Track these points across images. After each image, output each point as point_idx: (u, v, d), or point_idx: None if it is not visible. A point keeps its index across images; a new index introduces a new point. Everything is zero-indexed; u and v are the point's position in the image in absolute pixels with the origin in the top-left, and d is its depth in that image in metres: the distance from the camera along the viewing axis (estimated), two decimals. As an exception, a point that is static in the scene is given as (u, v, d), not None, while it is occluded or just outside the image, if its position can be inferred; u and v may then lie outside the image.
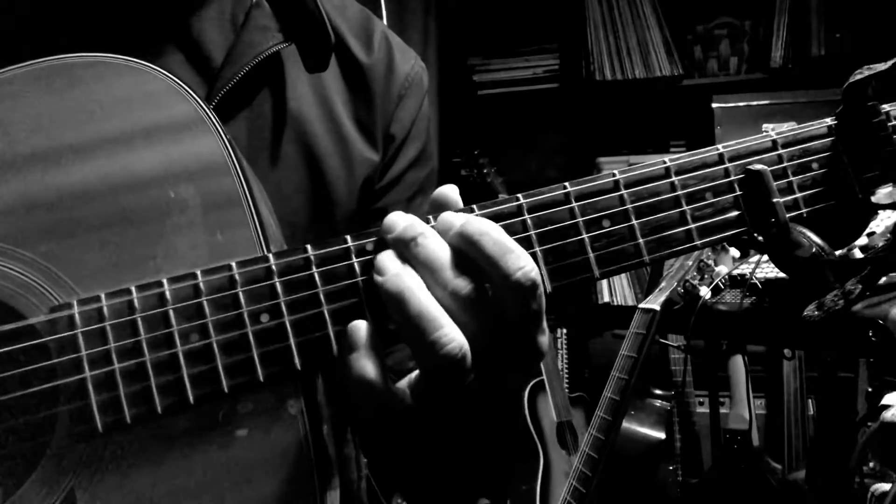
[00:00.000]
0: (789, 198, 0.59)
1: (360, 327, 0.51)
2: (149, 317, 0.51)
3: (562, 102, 3.27)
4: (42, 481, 0.51)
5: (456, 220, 0.52)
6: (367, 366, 0.50)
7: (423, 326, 0.49)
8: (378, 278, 0.50)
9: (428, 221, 0.54)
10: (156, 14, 0.70)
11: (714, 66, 3.09)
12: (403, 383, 0.55)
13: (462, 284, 0.50)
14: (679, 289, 1.76)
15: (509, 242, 0.50)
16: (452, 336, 0.49)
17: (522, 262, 0.50)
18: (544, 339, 0.53)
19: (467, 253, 0.51)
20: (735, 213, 0.58)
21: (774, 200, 0.57)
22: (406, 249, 0.51)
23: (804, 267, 0.61)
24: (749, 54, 3.06)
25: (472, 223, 0.51)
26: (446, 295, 0.50)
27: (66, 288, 0.52)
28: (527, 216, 0.55)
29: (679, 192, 0.57)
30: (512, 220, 0.55)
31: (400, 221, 0.52)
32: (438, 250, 0.50)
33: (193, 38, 0.72)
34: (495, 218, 0.55)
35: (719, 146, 0.59)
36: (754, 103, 2.79)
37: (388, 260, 0.51)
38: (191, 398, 0.51)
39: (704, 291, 1.74)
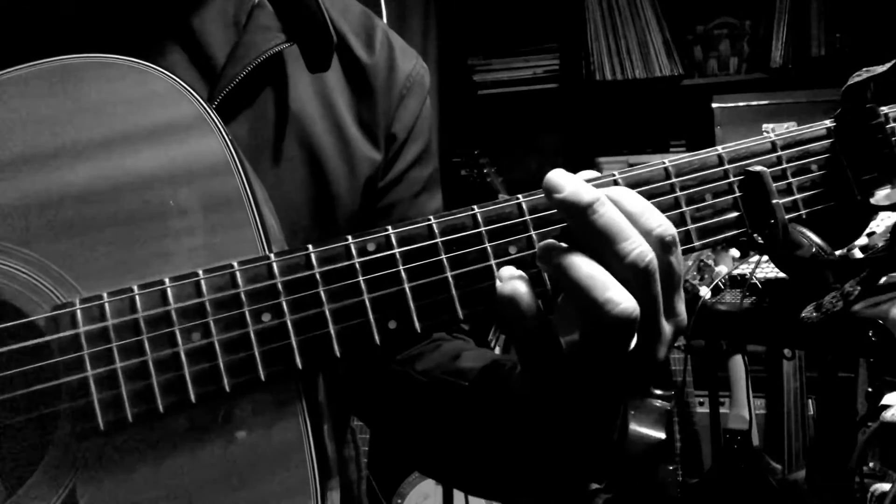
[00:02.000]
0: (788, 199, 0.59)
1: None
2: (151, 315, 0.51)
3: (562, 102, 3.27)
4: (44, 479, 0.51)
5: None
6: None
7: (592, 290, 0.49)
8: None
9: (429, 220, 0.54)
10: (157, 13, 0.70)
11: (714, 66, 3.09)
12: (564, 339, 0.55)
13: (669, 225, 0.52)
14: (679, 289, 1.76)
15: (648, 203, 0.53)
16: (622, 297, 0.49)
17: (663, 220, 0.52)
18: (683, 307, 0.54)
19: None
20: (734, 214, 0.58)
21: (774, 202, 0.57)
22: (582, 217, 0.51)
23: (804, 267, 0.61)
24: (749, 54, 3.06)
25: (611, 189, 0.53)
26: (622, 266, 0.50)
27: (68, 287, 0.53)
28: (527, 217, 0.55)
29: (678, 194, 0.57)
30: (512, 222, 0.55)
31: (566, 183, 0.51)
32: (617, 218, 0.51)
33: (195, 38, 0.72)
34: (496, 219, 0.55)
35: (719, 148, 0.59)
36: (754, 103, 2.80)
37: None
38: (192, 397, 0.51)
39: (704, 291, 1.74)
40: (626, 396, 0.57)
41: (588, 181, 0.54)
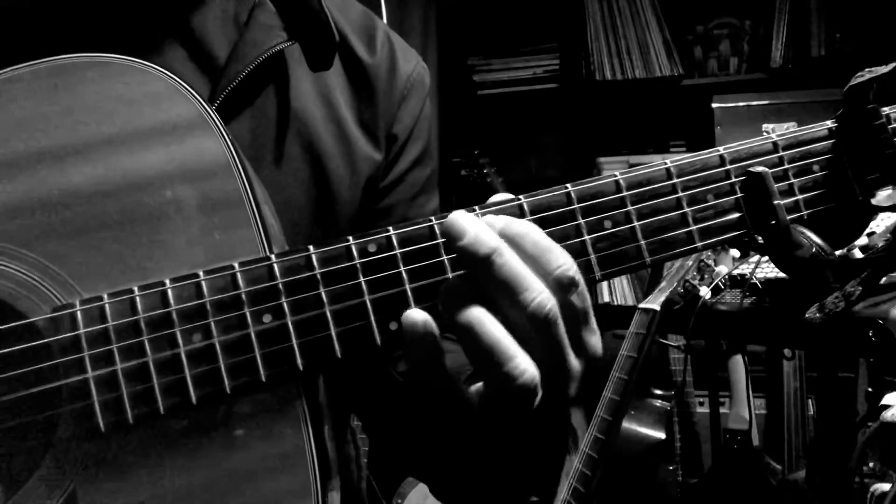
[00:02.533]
0: (790, 200, 0.59)
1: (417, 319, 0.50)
2: (151, 317, 0.51)
3: (562, 102, 3.26)
4: (44, 481, 0.51)
5: (496, 222, 0.52)
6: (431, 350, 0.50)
7: (496, 358, 0.48)
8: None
9: (431, 220, 0.54)
10: (157, 12, 0.70)
11: (714, 66, 3.09)
12: (471, 389, 0.54)
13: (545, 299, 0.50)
14: (679, 289, 1.77)
15: (548, 242, 0.51)
16: (525, 367, 0.48)
17: (562, 261, 0.50)
18: (595, 339, 0.53)
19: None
20: (736, 214, 0.58)
21: (775, 202, 0.57)
22: (480, 268, 0.50)
23: (804, 267, 0.61)
24: (749, 54, 3.06)
25: (513, 226, 0.51)
26: (522, 315, 0.49)
27: (68, 288, 0.52)
28: (528, 217, 0.55)
29: (680, 194, 0.57)
30: (513, 222, 0.55)
31: (462, 232, 0.50)
32: (516, 268, 0.49)
33: (196, 37, 0.72)
34: (497, 219, 0.55)
35: (720, 148, 0.59)
36: (754, 103, 2.79)
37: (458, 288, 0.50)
38: (193, 398, 0.51)
39: (704, 291, 1.74)
40: (546, 431, 0.56)
41: (497, 203, 0.54)
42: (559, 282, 0.50)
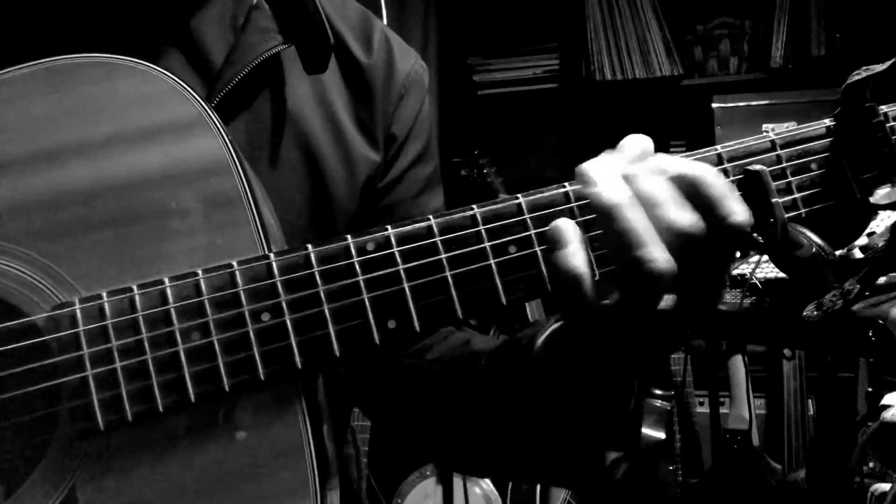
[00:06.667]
0: (788, 198, 0.59)
1: (567, 226, 0.53)
2: (150, 315, 0.51)
3: (562, 102, 3.26)
4: (43, 479, 0.51)
5: (671, 162, 0.54)
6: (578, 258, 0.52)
7: (629, 242, 0.50)
8: (592, 189, 0.52)
9: (429, 219, 0.54)
10: (155, 15, 0.70)
11: (714, 66, 3.09)
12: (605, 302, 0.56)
13: (686, 218, 0.51)
14: (679, 289, 1.76)
15: (727, 187, 0.53)
16: (657, 255, 0.50)
17: (738, 207, 0.52)
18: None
19: (687, 193, 0.52)
20: (734, 213, 0.58)
21: (773, 201, 0.57)
22: (628, 183, 0.52)
23: (804, 267, 0.61)
24: (749, 54, 3.06)
25: (693, 167, 0.53)
26: (664, 230, 0.51)
27: (67, 286, 0.53)
28: (526, 216, 0.55)
29: (680, 193, 0.57)
30: (511, 221, 0.55)
31: (589, 180, 0.53)
32: (659, 186, 0.52)
33: (193, 39, 0.72)
34: (495, 218, 0.55)
35: (718, 147, 0.59)
36: (754, 103, 2.79)
37: (603, 173, 0.53)
38: (192, 396, 0.51)
39: (704, 291, 1.74)
40: (649, 357, 0.59)
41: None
42: (733, 228, 0.52)
